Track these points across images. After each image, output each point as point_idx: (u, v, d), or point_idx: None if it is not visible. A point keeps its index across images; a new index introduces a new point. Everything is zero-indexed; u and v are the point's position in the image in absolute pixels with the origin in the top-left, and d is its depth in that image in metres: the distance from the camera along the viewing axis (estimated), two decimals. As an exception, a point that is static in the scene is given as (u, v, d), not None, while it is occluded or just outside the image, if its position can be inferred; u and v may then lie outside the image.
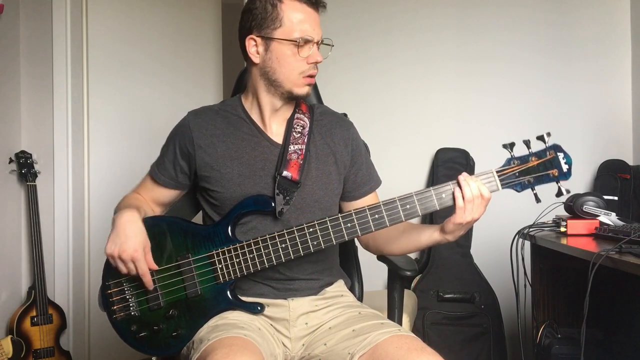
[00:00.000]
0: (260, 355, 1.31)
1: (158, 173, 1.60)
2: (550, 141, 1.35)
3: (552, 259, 2.26)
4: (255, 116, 1.56)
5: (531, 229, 2.15)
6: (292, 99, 1.53)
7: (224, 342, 1.31)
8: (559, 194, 1.36)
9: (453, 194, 1.36)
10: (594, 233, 1.98)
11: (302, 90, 1.50)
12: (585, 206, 2.02)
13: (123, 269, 1.44)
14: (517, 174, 1.36)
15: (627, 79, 2.89)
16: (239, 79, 1.86)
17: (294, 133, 1.53)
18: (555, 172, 1.35)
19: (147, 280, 1.44)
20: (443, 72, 3.02)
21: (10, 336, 2.70)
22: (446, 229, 1.40)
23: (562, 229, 2.05)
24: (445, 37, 3.01)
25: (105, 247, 1.44)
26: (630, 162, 2.75)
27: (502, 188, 1.37)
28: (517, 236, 2.15)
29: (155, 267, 1.46)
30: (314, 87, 1.83)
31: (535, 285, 2.32)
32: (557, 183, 1.36)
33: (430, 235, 1.45)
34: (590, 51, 2.92)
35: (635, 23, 2.85)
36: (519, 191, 1.38)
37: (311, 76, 1.49)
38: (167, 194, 1.62)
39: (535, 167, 1.36)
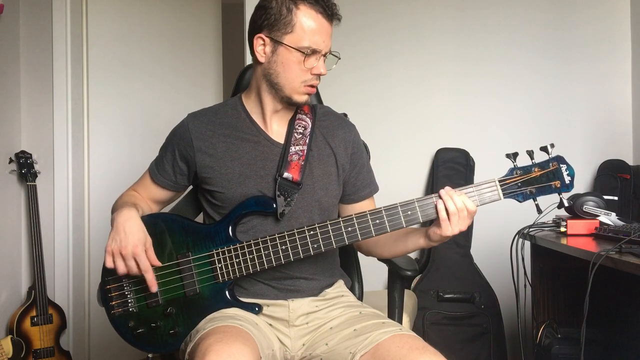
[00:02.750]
0: (254, 344, 1.32)
1: (158, 174, 1.60)
2: (553, 152, 1.35)
3: (552, 259, 2.26)
4: (256, 115, 1.56)
5: (531, 229, 2.16)
6: (290, 105, 1.52)
7: (219, 329, 1.32)
8: (561, 205, 1.37)
9: (436, 206, 1.36)
10: (594, 233, 1.98)
11: (301, 98, 1.49)
12: (585, 206, 2.02)
13: (122, 268, 1.41)
14: (520, 184, 1.36)
15: (627, 79, 2.89)
16: (239, 78, 1.86)
17: (296, 134, 1.53)
18: (557, 183, 1.36)
19: (150, 277, 1.42)
20: (443, 73, 3.02)
21: (10, 336, 2.69)
22: (433, 238, 1.41)
23: (562, 229, 2.06)
24: (446, 38, 3.01)
25: (106, 245, 1.43)
26: (630, 162, 2.75)
27: (504, 198, 1.37)
28: (517, 236, 2.15)
29: (158, 263, 1.45)
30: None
31: (535, 285, 2.32)
32: (559, 195, 1.37)
33: (416, 242, 1.46)
34: (591, 51, 2.92)
35: (635, 23, 2.86)
36: (520, 201, 1.38)
37: (312, 86, 1.49)
38: (165, 194, 1.63)
39: (538, 178, 1.36)
